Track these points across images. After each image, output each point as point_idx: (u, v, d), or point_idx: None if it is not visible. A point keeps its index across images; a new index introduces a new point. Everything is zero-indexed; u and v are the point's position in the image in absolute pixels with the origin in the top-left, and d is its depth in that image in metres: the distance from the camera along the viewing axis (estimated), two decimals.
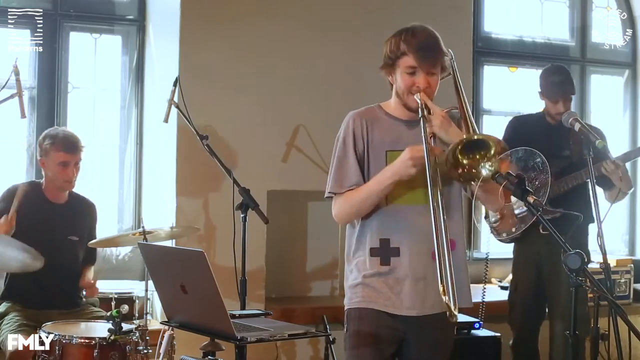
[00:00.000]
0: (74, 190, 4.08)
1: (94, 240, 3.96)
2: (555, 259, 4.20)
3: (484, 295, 4.58)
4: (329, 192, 2.83)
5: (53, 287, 3.89)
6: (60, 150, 3.89)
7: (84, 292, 4.00)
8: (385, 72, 2.83)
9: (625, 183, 3.99)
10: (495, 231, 4.33)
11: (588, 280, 2.48)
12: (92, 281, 4.03)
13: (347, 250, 2.89)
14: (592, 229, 3.83)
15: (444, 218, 2.59)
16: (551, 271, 4.19)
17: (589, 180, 4.02)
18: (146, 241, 3.65)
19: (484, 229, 4.57)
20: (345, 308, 2.86)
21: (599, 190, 4.03)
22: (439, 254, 2.53)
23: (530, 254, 4.28)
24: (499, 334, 4.37)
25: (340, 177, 2.80)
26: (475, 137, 2.61)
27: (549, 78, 4.23)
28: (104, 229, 4.46)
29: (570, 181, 4.10)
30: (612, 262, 5.11)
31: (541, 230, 2.79)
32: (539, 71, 4.45)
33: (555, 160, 4.11)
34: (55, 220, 3.93)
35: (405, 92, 2.76)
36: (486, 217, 4.43)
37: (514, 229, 4.22)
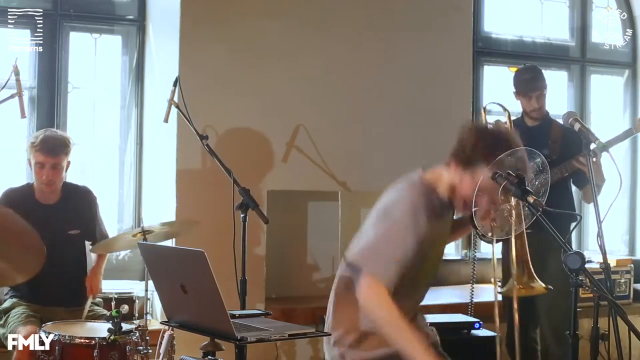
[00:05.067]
0: (68, 180, 4.06)
1: (94, 246, 3.98)
2: (540, 258, 4.25)
3: (472, 295, 4.69)
4: (371, 271, 2.63)
5: (58, 284, 3.88)
6: (37, 151, 3.88)
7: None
8: (456, 159, 2.72)
9: (600, 176, 4.00)
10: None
11: (588, 280, 2.48)
12: (97, 282, 4.01)
13: (348, 320, 2.82)
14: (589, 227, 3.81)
15: None
16: (536, 269, 4.23)
17: (568, 176, 4.21)
18: (146, 241, 3.65)
19: None
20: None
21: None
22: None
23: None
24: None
25: (390, 258, 2.64)
26: None
27: (521, 77, 4.45)
28: None
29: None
30: (612, 262, 5.11)
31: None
32: None
33: None
34: (48, 221, 3.86)
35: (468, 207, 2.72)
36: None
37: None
